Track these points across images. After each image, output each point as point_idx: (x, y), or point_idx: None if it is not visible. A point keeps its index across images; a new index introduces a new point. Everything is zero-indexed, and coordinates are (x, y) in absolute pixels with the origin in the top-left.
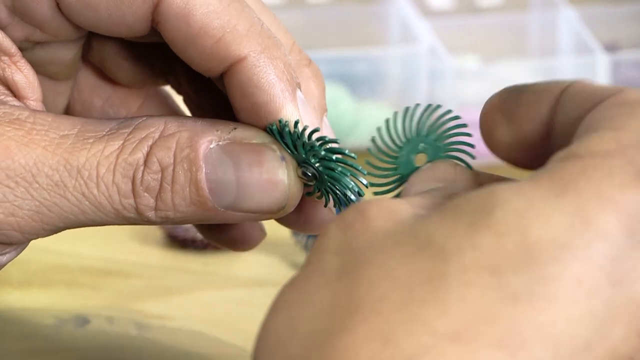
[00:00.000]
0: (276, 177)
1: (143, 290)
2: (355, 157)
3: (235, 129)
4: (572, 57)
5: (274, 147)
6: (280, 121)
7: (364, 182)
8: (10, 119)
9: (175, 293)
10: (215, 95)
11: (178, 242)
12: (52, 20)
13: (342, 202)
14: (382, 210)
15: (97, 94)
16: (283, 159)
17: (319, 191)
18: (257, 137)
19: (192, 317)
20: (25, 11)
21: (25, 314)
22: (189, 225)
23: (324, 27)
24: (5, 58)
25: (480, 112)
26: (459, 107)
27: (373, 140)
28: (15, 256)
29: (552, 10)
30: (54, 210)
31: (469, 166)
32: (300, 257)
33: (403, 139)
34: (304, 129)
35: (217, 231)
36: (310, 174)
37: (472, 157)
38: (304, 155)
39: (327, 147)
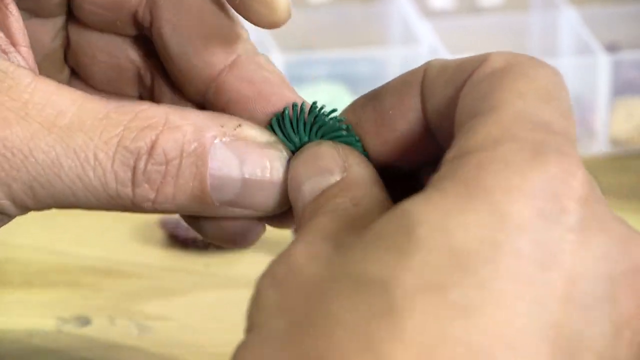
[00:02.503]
0: (281, 178)
1: (144, 290)
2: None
3: (240, 125)
4: (573, 57)
5: (280, 147)
6: (294, 105)
7: None
8: (9, 85)
9: (177, 293)
10: None
11: (179, 242)
12: None
13: None
14: (307, 255)
15: None
16: (288, 160)
17: None
18: (262, 135)
19: (193, 317)
20: None
21: (26, 314)
22: None
23: (325, 27)
24: None
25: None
26: None
27: None
28: (5, 224)
29: (552, 11)
30: (46, 187)
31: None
32: None
33: (289, 145)
34: (312, 106)
35: (215, 227)
36: None
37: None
38: (307, 139)
39: (333, 115)
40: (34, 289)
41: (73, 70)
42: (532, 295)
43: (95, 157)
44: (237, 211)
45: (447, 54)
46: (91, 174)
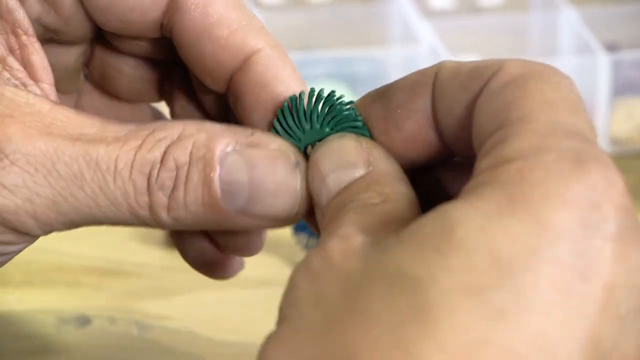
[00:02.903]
0: (288, 182)
1: (144, 290)
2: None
3: (253, 134)
4: (573, 57)
5: (290, 153)
6: (300, 95)
7: None
8: (32, 110)
9: (176, 293)
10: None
11: None
12: (67, 2)
13: None
14: (343, 250)
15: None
16: (297, 164)
17: None
18: (274, 143)
19: (193, 317)
20: None
21: (26, 313)
22: None
23: (325, 27)
24: (24, 37)
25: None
26: None
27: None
28: (29, 245)
29: (552, 11)
30: (70, 200)
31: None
32: (301, 257)
33: (298, 132)
34: (330, 94)
35: (196, 252)
36: None
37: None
38: (319, 127)
39: (350, 105)
40: (34, 289)
41: (94, 81)
42: (570, 305)
43: (116, 168)
44: (251, 221)
45: (447, 54)
46: (112, 184)
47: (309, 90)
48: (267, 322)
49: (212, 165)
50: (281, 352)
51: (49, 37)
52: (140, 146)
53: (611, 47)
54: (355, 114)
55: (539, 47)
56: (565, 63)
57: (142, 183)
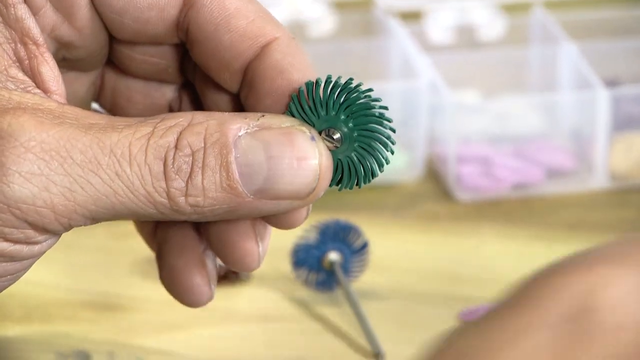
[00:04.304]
0: (307, 155)
1: (144, 325)
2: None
3: (263, 116)
4: (573, 92)
5: (304, 129)
6: (315, 81)
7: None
8: (42, 107)
9: (176, 328)
10: None
11: None
12: (83, 10)
13: (364, 173)
14: None
15: None
16: (313, 139)
17: (336, 169)
18: (286, 121)
19: (193, 352)
20: None
21: (26, 349)
22: None
23: (326, 62)
24: (33, 47)
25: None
26: (459, 142)
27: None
28: (46, 249)
29: (552, 46)
30: (87, 188)
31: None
32: (301, 292)
33: (313, 118)
34: (347, 81)
35: (169, 276)
36: (335, 138)
37: (387, 148)
38: (334, 113)
39: (368, 93)
40: (33, 324)
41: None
42: None
43: (130, 152)
44: (269, 205)
45: (446, 89)
46: (128, 169)
47: (325, 77)
48: (267, 357)
49: (228, 148)
50: None
51: (61, 57)
52: (152, 132)
53: (611, 82)
54: (371, 102)
55: (539, 81)
56: (565, 98)
57: (158, 168)
